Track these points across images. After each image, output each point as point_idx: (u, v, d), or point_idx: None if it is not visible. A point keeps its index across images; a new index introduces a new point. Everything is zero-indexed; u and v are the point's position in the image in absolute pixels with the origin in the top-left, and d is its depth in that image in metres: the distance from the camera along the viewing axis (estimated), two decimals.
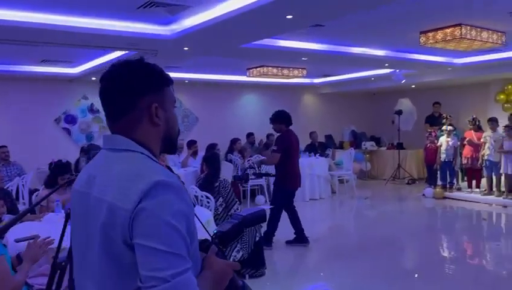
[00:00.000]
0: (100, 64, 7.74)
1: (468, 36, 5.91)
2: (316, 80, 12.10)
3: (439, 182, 9.07)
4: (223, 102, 11.41)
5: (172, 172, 1.23)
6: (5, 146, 7.37)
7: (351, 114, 13.41)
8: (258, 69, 9.20)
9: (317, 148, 10.23)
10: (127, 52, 6.56)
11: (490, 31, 6.23)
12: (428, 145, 9.24)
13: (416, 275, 4.86)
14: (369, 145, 11.96)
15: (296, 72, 9.57)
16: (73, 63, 8.20)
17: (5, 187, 5.70)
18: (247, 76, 9.77)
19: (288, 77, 9.76)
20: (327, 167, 9.50)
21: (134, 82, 1.19)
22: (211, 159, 5.00)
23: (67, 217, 2.10)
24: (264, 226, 5.16)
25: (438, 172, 9.07)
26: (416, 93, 11.79)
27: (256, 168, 5.53)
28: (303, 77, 10.10)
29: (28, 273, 2.54)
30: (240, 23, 4.88)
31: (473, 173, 8.74)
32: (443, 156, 8.78)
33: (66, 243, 2.16)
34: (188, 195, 1.14)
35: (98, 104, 9.98)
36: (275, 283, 4.46)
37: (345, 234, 6.91)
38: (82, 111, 9.89)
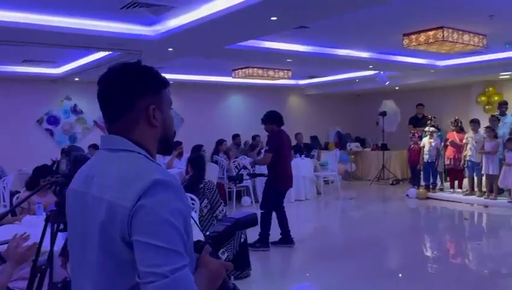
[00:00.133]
0: (84, 64, 7.65)
1: (450, 39, 6.01)
2: (302, 82, 12.16)
3: (422, 183, 9.20)
4: (208, 103, 11.38)
5: None
6: None
7: (336, 115, 13.51)
8: (243, 70, 9.20)
9: (302, 149, 10.27)
10: (110, 52, 6.50)
11: (471, 34, 6.35)
12: (412, 146, 9.35)
13: (400, 275, 4.91)
14: (354, 146, 12.06)
15: (281, 73, 9.60)
16: (56, 63, 8.09)
17: None
18: (233, 77, 9.77)
19: (273, 78, 9.78)
20: (312, 168, 9.54)
21: (133, 84, 1.22)
22: (196, 160, 4.97)
23: (47, 220, 2.07)
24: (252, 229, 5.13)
25: (421, 173, 9.19)
26: (400, 95, 11.93)
27: (250, 169, 5.54)
28: (288, 78, 10.14)
29: (12, 275, 2.48)
30: (224, 24, 4.88)
31: (455, 174, 8.88)
32: (426, 157, 8.90)
33: (45, 247, 2.12)
34: (185, 194, 1.17)
35: (81, 104, 9.88)
36: (261, 284, 4.46)
37: (330, 235, 6.94)
38: (65, 112, 9.75)
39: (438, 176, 9.18)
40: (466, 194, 8.55)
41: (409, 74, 10.21)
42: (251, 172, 5.58)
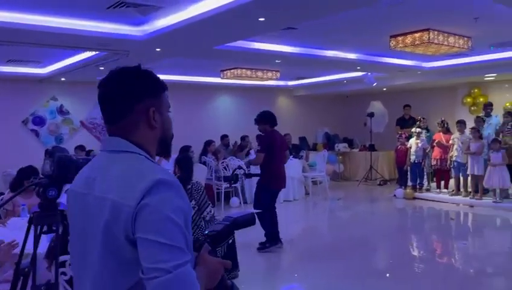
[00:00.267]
0: (70, 64, 7.55)
1: (436, 41, 6.07)
2: (290, 83, 12.19)
3: (409, 183, 9.28)
4: (196, 104, 11.34)
5: None
6: None
7: (324, 116, 13.57)
8: (232, 71, 9.19)
9: (291, 150, 10.28)
10: (97, 52, 6.43)
11: (457, 36, 6.43)
12: (399, 147, 9.43)
13: (388, 275, 4.94)
14: (342, 147, 12.13)
15: (270, 74, 9.61)
16: (41, 63, 7.98)
17: None
18: (221, 78, 9.75)
19: (262, 79, 9.79)
20: (301, 168, 9.57)
21: (133, 87, 1.26)
22: (183, 161, 4.94)
23: (30, 221, 2.04)
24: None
25: (408, 173, 9.27)
26: (388, 96, 12.04)
27: (245, 169, 5.53)
28: (277, 79, 10.16)
29: None
30: (212, 25, 4.87)
31: (441, 174, 8.98)
32: (413, 158, 8.99)
33: (29, 249, 2.09)
34: (185, 193, 1.20)
35: (67, 105, 9.77)
36: (249, 285, 4.45)
37: (318, 235, 6.96)
38: (51, 112, 9.62)
39: (425, 177, 9.28)
40: (452, 194, 8.65)
41: (396, 75, 10.30)
42: (246, 172, 5.56)
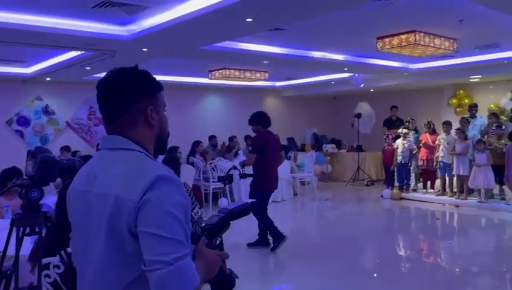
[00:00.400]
0: (55, 64, 7.45)
1: (422, 42, 6.14)
2: (278, 83, 12.21)
3: (396, 184, 9.36)
4: (184, 104, 11.28)
5: None
6: None
7: (312, 117, 13.62)
8: (220, 71, 9.17)
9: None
10: (83, 52, 6.36)
11: (443, 38, 6.51)
12: (386, 147, 9.50)
13: (375, 275, 4.97)
14: (330, 147, 12.18)
15: (258, 75, 9.61)
16: (26, 62, 7.86)
17: None
18: (209, 78, 9.72)
19: (250, 79, 9.78)
20: (289, 169, 9.58)
21: (131, 87, 1.30)
22: (170, 162, 4.89)
23: (12, 224, 2.01)
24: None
25: (395, 174, 9.35)
26: (375, 97, 12.13)
27: (240, 169, 5.52)
28: (265, 80, 10.16)
29: None
30: (199, 25, 4.84)
31: (428, 174, 9.07)
32: (399, 158, 9.06)
33: (11, 251, 2.05)
34: (184, 188, 1.25)
35: (53, 105, 9.64)
36: (237, 286, 4.43)
37: (307, 235, 6.98)
38: (36, 112, 9.48)
39: (413, 177, 9.36)
40: (438, 195, 8.75)
41: (383, 77, 10.39)
42: (241, 172, 5.55)
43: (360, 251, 6.02)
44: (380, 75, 10.17)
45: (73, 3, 4.53)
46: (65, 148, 8.46)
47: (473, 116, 8.98)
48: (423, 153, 8.90)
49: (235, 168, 5.64)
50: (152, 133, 1.35)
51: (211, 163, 8.73)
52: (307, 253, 5.59)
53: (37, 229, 2.01)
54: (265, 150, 5.46)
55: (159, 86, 1.38)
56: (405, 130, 9.18)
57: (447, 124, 8.69)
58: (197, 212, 4.68)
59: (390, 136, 9.47)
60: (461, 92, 11.06)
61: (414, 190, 9.28)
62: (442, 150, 8.53)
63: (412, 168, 9.26)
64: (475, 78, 10.15)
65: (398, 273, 4.90)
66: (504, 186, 7.79)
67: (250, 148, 5.59)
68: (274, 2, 4.15)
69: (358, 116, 11.18)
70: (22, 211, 1.98)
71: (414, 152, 9.09)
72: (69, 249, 2.09)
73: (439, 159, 8.56)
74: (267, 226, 5.52)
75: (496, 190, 8.24)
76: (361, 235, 6.72)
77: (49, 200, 3.25)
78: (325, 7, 4.43)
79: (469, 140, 8.26)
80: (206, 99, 11.98)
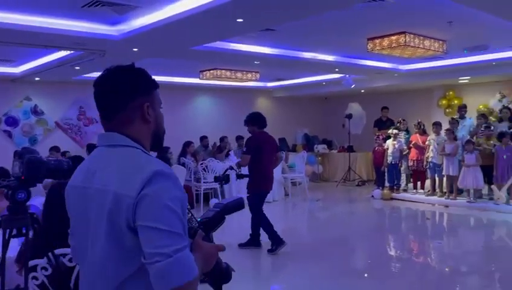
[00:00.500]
0: (45, 63, 7.38)
1: (412, 44, 6.19)
2: (270, 84, 12.22)
3: (387, 184, 9.41)
4: (175, 104, 11.22)
5: None
6: None
7: (303, 118, 13.65)
8: (211, 71, 9.15)
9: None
10: (72, 52, 6.30)
11: (432, 40, 6.56)
12: (376, 148, 9.55)
13: (366, 275, 4.99)
14: (321, 148, 12.22)
15: (249, 75, 9.61)
16: (15, 62, 7.78)
17: None
18: (200, 78, 9.69)
19: (241, 80, 9.78)
20: (280, 169, 9.58)
21: (128, 85, 1.34)
22: None
23: None
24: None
25: (386, 174, 9.40)
26: (366, 98, 12.18)
27: (237, 170, 5.49)
28: (256, 80, 10.16)
29: None
30: (190, 25, 4.83)
31: (418, 175, 9.14)
32: (390, 159, 9.11)
33: None
34: (180, 183, 1.28)
35: (42, 105, 9.54)
36: (227, 286, 4.42)
37: (298, 236, 6.98)
38: (25, 113, 9.38)
39: (403, 177, 9.41)
40: (428, 195, 8.81)
41: (374, 78, 10.44)
42: (238, 173, 5.52)
43: (351, 251, 6.04)
44: (370, 76, 10.23)
45: (62, 2, 4.49)
46: (54, 149, 8.38)
47: (462, 117, 9.06)
48: (413, 153, 8.96)
49: (231, 168, 5.61)
50: (148, 130, 1.37)
51: (202, 164, 8.70)
52: (298, 253, 5.59)
53: (23, 231, 1.98)
54: (260, 150, 5.42)
55: (155, 83, 1.41)
56: (395, 131, 9.23)
57: (437, 125, 8.75)
58: (188, 213, 4.67)
59: (380, 137, 9.52)
60: (451, 93, 11.16)
61: (404, 190, 9.34)
62: (432, 150, 8.59)
63: (402, 168, 9.32)
64: (464, 79, 10.25)
65: (388, 273, 4.92)
66: (493, 186, 7.87)
67: (244, 149, 5.57)
68: (264, 3, 4.16)
69: (349, 116, 11.23)
70: (8, 212, 1.95)
71: (404, 153, 9.15)
72: (56, 251, 2.06)
73: (429, 159, 8.63)
74: (266, 230, 5.48)
75: (485, 190, 8.32)
76: (352, 235, 6.75)
77: (37, 201, 3.21)
78: (315, 8, 4.44)
79: (458, 141, 8.33)
80: (197, 100, 11.95)
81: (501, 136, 7.77)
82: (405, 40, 6.08)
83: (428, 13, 5.34)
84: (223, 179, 5.38)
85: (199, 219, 1.52)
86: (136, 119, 1.34)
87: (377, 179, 9.92)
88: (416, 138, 8.98)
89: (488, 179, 8.04)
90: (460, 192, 8.42)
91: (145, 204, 1.18)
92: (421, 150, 8.83)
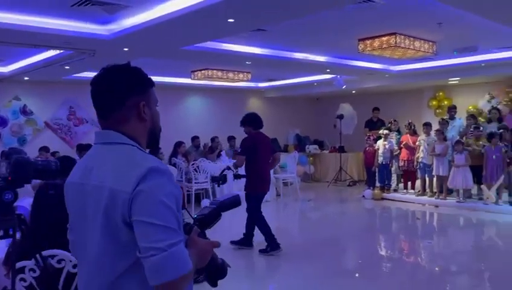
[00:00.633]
0: (34, 63, 7.31)
1: (402, 45, 6.23)
2: (261, 84, 12.22)
3: (377, 184, 9.45)
4: (166, 104, 11.16)
5: None
6: None
7: (295, 118, 13.67)
8: (202, 71, 9.12)
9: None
10: (62, 51, 6.24)
11: (422, 41, 6.61)
12: (367, 148, 9.59)
13: (357, 275, 5.00)
14: (312, 148, 12.25)
15: (241, 75, 9.60)
16: (3, 61, 7.68)
17: None
18: (192, 78, 9.66)
19: (233, 80, 9.76)
20: (272, 170, 9.58)
21: (124, 83, 1.36)
22: None
23: None
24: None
25: (376, 174, 9.45)
26: (357, 99, 12.24)
27: (234, 170, 5.46)
28: (248, 80, 10.16)
29: None
30: (180, 25, 4.81)
31: (408, 175, 9.19)
32: (380, 159, 9.16)
33: None
34: (174, 179, 1.32)
35: (31, 105, 9.44)
36: (220, 287, 4.41)
37: (289, 236, 6.98)
38: (13, 112, 9.27)
39: (394, 178, 9.46)
40: (418, 195, 8.87)
41: (365, 78, 10.50)
42: (235, 173, 5.49)
43: (342, 251, 6.06)
44: (361, 76, 10.27)
45: (52, 1, 4.44)
46: (44, 149, 8.30)
47: (452, 117, 9.14)
48: (404, 154, 9.01)
49: (229, 168, 5.57)
50: (144, 128, 1.40)
51: (193, 164, 8.67)
52: (289, 253, 5.59)
53: (11, 232, 1.95)
54: (256, 151, 5.37)
55: (150, 82, 1.43)
56: (386, 131, 9.28)
57: (427, 125, 8.82)
58: None
59: (371, 137, 9.56)
60: (441, 93, 11.25)
61: (395, 190, 9.39)
62: (422, 150, 8.65)
63: (393, 168, 9.37)
64: (454, 80, 10.35)
65: (379, 273, 4.94)
66: (482, 186, 7.94)
67: (239, 150, 5.54)
68: (256, 3, 4.15)
69: (341, 117, 11.27)
70: None
71: (395, 153, 9.20)
72: (44, 252, 2.04)
73: (420, 159, 8.69)
74: (263, 231, 5.45)
75: (474, 190, 8.40)
76: (344, 235, 6.77)
77: (26, 202, 3.18)
78: (306, 8, 4.45)
79: (448, 141, 8.40)
80: (189, 100, 11.91)
81: (490, 136, 7.85)
82: (395, 41, 6.12)
83: (419, 14, 5.38)
84: (220, 179, 5.35)
85: (195, 216, 1.54)
86: (132, 118, 1.37)
87: (367, 179, 9.97)
88: (406, 138, 9.03)
89: (478, 179, 8.11)
90: (450, 192, 8.49)
91: (141, 200, 1.20)
92: (412, 150, 8.89)
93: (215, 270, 1.49)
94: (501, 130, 8.09)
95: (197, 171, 8.56)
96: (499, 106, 9.76)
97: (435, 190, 8.62)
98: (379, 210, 8.60)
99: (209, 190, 8.57)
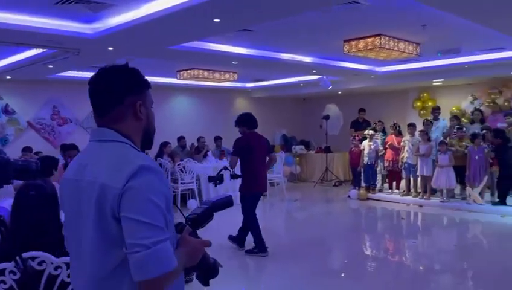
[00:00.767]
0: (16, 61, 7.17)
1: (387, 46, 6.29)
2: (248, 84, 12.21)
3: (363, 184, 9.52)
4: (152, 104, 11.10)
5: None
6: None
7: (282, 118, 13.70)
8: (188, 71, 9.08)
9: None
10: (45, 50, 6.14)
11: (407, 42, 6.68)
12: (353, 149, 9.66)
13: (343, 274, 5.03)
14: (299, 148, 12.29)
15: (227, 76, 9.58)
16: None
17: None
18: (177, 78, 9.61)
19: (219, 80, 9.73)
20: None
21: (122, 83, 1.40)
22: None
23: None
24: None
25: (362, 174, 9.52)
26: (343, 99, 12.32)
27: (231, 170, 5.41)
28: (234, 81, 10.14)
29: None
30: (166, 24, 4.78)
31: (393, 175, 9.29)
32: (366, 159, 9.23)
33: None
34: (166, 178, 1.37)
35: (13, 104, 9.27)
36: (204, 288, 4.39)
37: (275, 236, 6.97)
38: None
39: (379, 178, 9.54)
40: (403, 195, 8.97)
41: (351, 79, 10.57)
42: (232, 173, 5.44)
43: (328, 251, 6.08)
44: (347, 77, 10.34)
45: None
46: (27, 149, 8.16)
47: (436, 118, 9.25)
48: (389, 154, 9.09)
49: (226, 168, 5.53)
50: (140, 127, 1.44)
51: (179, 164, 8.62)
52: (276, 253, 5.59)
53: None
54: (250, 151, 5.30)
55: (147, 83, 1.47)
56: (371, 132, 9.35)
57: (412, 126, 8.91)
58: None
59: (357, 138, 9.63)
60: (425, 95, 11.39)
61: (380, 191, 9.47)
62: (407, 151, 8.75)
63: (378, 169, 9.45)
64: (438, 82, 10.49)
65: (365, 273, 4.97)
66: (468, 188, 8.03)
67: (232, 151, 5.50)
68: (241, 3, 4.14)
69: (327, 117, 11.32)
70: None
71: (380, 153, 9.28)
72: (24, 254, 2.00)
73: (404, 160, 8.78)
74: (253, 232, 5.43)
75: (457, 190, 8.52)
76: (329, 235, 6.80)
77: (6, 203, 3.12)
78: (291, 9, 4.45)
79: (432, 141, 8.51)
80: (175, 100, 11.83)
81: (473, 137, 7.98)
82: (380, 43, 6.18)
83: (403, 16, 5.43)
84: (217, 179, 5.31)
85: (187, 215, 1.55)
86: (129, 116, 1.40)
87: (353, 180, 10.03)
88: (392, 138, 9.12)
89: (461, 179, 8.23)
90: (434, 192, 8.60)
91: (130, 196, 1.23)
92: (397, 150, 8.97)
93: (207, 269, 1.51)
94: (484, 131, 8.23)
95: (183, 172, 8.51)
96: (481, 107, 9.93)
97: (419, 190, 8.72)
98: (364, 210, 8.66)
99: (195, 190, 8.53)
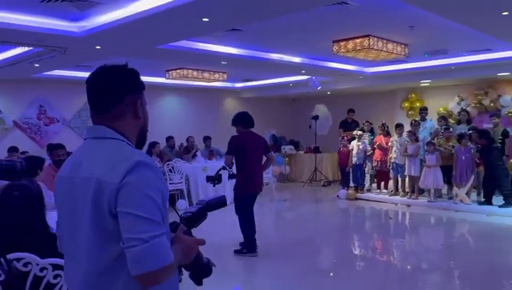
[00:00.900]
0: (1, 60, 7.05)
1: (376, 47, 6.33)
2: (237, 84, 12.20)
3: (351, 184, 9.57)
4: None
5: None
6: None
7: (271, 118, 13.70)
8: (177, 71, 9.03)
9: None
10: (31, 48, 6.06)
11: (395, 43, 6.74)
12: (342, 149, 9.70)
13: (331, 274, 5.04)
14: (288, 149, 12.31)
15: (216, 75, 9.55)
16: None
17: None
18: (166, 78, 9.55)
19: (209, 80, 9.70)
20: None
21: (120, 83, 1.42)
22: None
23: None
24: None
25: (351, 174, 9.56)
26: (332, 100, 12.37)
27: (229, 170, 5.35)
28: (224, 80, 10.11)
29: None
30: (154, 23, 4.74)
31: (382, 175, 9.35)
32: (354, 160, 9.28)
33: None
34: (161, 174, 1.37)
35: None
36: (194, 287, 4.36)
37: (265, 236, 6.96)
38: None
39: (368, 178, 9.59)
40: (391, 195, 9.03)
41: (340, 80, 10.62)
42: (230, 173, 5.38)
43: (317, 250, 6.10)
44: (336, 78, 10.39)
45: None
46: (14, 149, 8.04)
47: (423, 119, 9.34)
48: (377, 154, 9.15)
49: (224, 168, 5.48)
50: (137, 125, 1.47)
51: (168, 164, 8.57)
52: (265, 253, 5.59)
53: None
54: (244, 150, 5.23)
55: (143, 85, 1.51)
56: (360, 132, 9.40)
57: (400, 127, 8.98)
58: None
59: (345, 138, 9.68)
60: (413, 95, 11.49)
61: (368, 190, 9.53)
62: (395, 151, 8.81)
63: (366, 169, 9.51)
64: (425, 83, 10.59)
65: (353, 272, 4.99)
66: (455, 188, 8.11)
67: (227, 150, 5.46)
68: (229, 2, 4.13)
69: (316, 118, 11.36)
70: None
71: (369, 153, 9.33)
72: (8, 256, 1.96)
73: (392, 160, 8.84)
74: (246, 233, 5.37)
75: (445, 189, 8.61)
76: (319, 235, 6.82)
77: None
78: (280, 9, 4.45)
79: (420, 142, 8.58)
80: (164, 100, 11.76)
81: (460, 137, 8.07)
82: (369, 43, 6.22)
83: (391, 17, 5.47)
84: (215, 179, 5.27)
85: (182, 214, 1.57)
86: (128, 115, 1.43)
87: (342, 180, 10.08)
88: (380, 139, 9.17)
89: (448, 179, 8.32)
90: (421, 192, 8.68)
91: (127, 191, 1.24)
92: (385, 151, 9.03)
93: (200, 268, 1.53)
94: (470, 131, 8.33)
95: (171, 172, 8.46)
96: (468, 108, 10.06)
97: (407, 190, 8.80)
98: (353, 210, 8.71)
99: (184, 190, 8.49)
